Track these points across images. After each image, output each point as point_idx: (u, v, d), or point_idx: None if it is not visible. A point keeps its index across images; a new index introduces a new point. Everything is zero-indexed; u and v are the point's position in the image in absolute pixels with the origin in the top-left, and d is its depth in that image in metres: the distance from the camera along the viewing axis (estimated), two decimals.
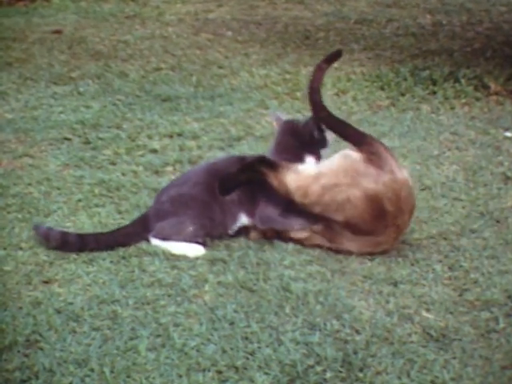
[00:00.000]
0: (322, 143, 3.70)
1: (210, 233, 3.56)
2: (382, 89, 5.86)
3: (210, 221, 3.55)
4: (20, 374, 2.69)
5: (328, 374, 2.71)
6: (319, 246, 3.53)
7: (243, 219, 3.59)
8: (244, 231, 3.62)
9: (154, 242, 3.53)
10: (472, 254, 3.53)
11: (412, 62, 6.49)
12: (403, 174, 3.46)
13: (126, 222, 3.68)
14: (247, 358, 2.78)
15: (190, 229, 3.52)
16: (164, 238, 3.52)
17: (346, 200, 3.42)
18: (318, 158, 3.67)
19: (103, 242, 3.51)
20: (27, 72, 6.18)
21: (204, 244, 3.54)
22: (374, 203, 3.40)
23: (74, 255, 3.44)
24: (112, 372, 2.70)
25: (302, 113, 5.20)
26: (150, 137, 4.91)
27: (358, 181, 3.41)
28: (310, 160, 3.64)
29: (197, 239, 3.53)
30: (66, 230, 3.62)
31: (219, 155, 4.56)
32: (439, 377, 2.72)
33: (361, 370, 2.74)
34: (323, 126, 3.66)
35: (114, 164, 4.49)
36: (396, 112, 5.43)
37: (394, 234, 3.46)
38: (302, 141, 3.67)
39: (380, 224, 3.42)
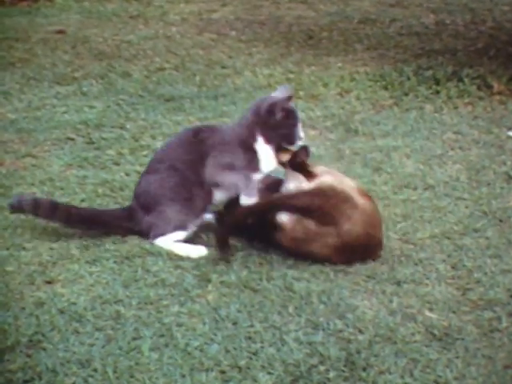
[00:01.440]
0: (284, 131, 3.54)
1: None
2: (386, 88, 5.86)
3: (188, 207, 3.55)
4: (23, 374, 2.69)
5: (331, 374, 2.71)
6: None
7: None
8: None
9: (158, 242, 3.53)
10: (475, 254, 3.53)
11: (415, 62, 6.48)
12: (360, 211, 3.39)
13: None
14: (250, 358, 2.78)
15: (175, 217, 3.52)
16: (161, 234, 3.53)
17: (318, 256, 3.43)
18: (271, 142, 3.54)
19: (76, 215, 3.58)
20: (30, 72, 6.18)
21: (206, 243, 3.55)
22: (345, 252, 3.38)
23: (77, 255, 3.45)
24: (115, 372, 2.70)
25: (306, 112, 5.20)
26: (153, 137, 4.91)
27: (323, 241, 3.39)
28: (260, 141, 3.53)
29: (185, 226, 3.54)
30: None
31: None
32: (442, 376, 2.72)
33: (364, 370, 2.74)
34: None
35: (117, 164, 4.49)
36: (399, 111, 5.43)
37: (378, 249, 3.48)
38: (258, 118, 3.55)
39: (357, 256, 3.41)
